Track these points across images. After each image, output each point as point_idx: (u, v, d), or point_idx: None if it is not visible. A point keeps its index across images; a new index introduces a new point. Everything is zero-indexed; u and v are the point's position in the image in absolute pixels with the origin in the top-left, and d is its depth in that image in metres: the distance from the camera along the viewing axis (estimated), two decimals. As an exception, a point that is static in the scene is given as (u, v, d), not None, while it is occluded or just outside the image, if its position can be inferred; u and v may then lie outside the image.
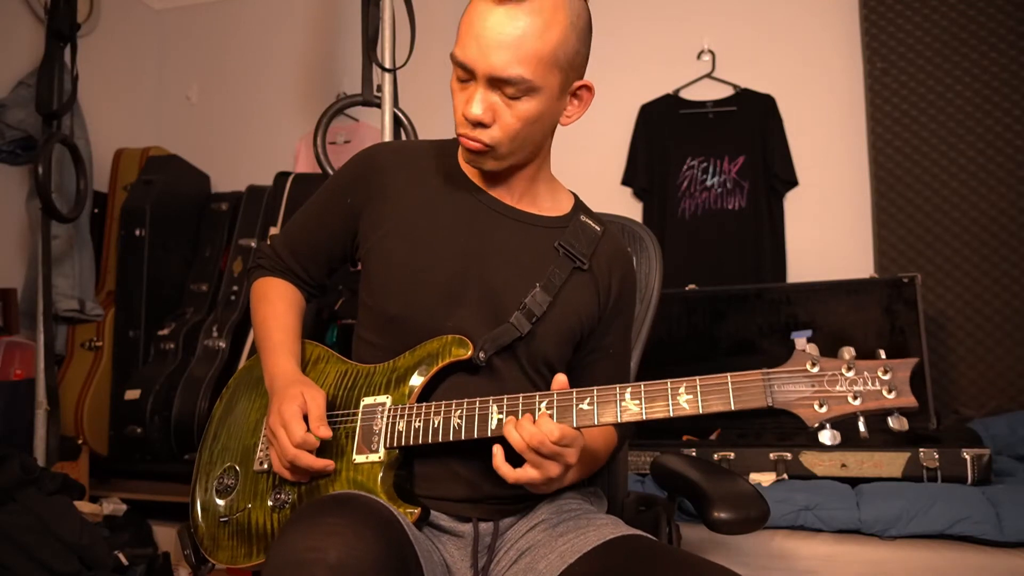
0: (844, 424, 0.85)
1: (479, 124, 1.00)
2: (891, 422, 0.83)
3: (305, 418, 1.01)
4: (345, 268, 1.24)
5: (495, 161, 1.05)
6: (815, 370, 0.85)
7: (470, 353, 1.03)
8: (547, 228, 1.12)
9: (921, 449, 1.87)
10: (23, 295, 2.71)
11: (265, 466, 1.09)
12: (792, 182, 2.78)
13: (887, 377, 0.83)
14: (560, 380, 0.95)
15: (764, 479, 1.93)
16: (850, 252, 2.71)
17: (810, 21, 2.83)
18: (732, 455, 2.00)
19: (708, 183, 2.82)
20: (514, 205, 1.12)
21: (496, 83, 0.97)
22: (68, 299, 2.71)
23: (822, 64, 2.80)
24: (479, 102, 0.98)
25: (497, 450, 0.92)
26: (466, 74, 0.99)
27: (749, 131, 2.80)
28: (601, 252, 1.14)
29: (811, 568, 1.77)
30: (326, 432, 1.00)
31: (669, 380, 0.89)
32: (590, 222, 1.15)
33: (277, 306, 1.18)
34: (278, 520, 1.04)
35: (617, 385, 0.92)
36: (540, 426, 0.90)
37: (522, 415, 0.94)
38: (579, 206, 1.19)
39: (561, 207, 1.17)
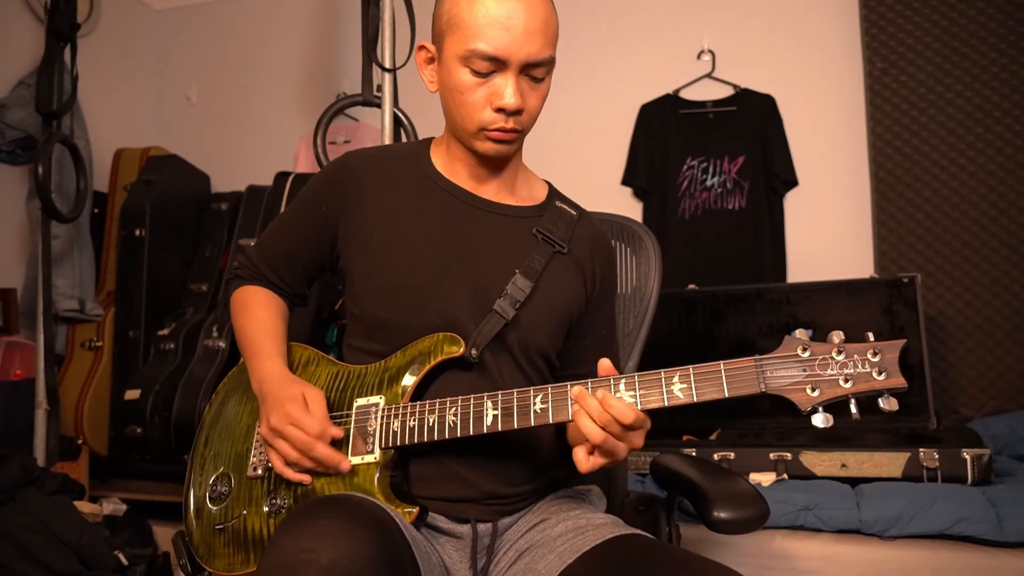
0: (838, 411, 0.86)
1: (515, 112, 1.01)
2: (882, 403, 0.83)
3: None
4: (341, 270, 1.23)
5: (517, 144, 1.08)
6: (806, 355, 0.85)
7: (462, 350, 1.03)
8: (525, 218, 1.13)
9: (921, 449, 1.87)
10: (23, 295, 2.71)
11: (259, 472, 1.08)
12: (792, 182, 2.78)
13: (876, 359, 0.83)
14: (604, 365, 0.92)
15: (764, 479, 1.93)
16: (850, 252, 2.72)
17: (810, 21, 2.83)
18: (732, 455, 2.00)
19: (708, 183, 2.82)
20: (491, 199, 1.13)
21: (527, 68, 1.00)
22: (68, 299, 2.71)
23: (822, 64, 2.80)
24: (516, 91, 1.00)
25: (579, 450, 0.90)
26: (492, 66, 0.99)
27: (749, 131, 2.80)
28: (580, 236, 1.15)
29: (811, 568, 1.77)
30: (336, 432, 1.00)
31: (663, 370, 0.89)
32: (566, 207, 1.16)
33: (257, 312, 1.16)
34: (274, 525, 1.03)
35: (611, 376, 0.91)
36: (611, 409, 0.87)
37: (513, 407, 0.94)
38: (554, 193, 1.19)
39: (536, 196, 1.17)
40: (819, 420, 0.85)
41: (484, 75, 1.00)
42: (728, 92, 2.85)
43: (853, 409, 0.84)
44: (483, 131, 1.03)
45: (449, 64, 1.03)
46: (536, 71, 1.01)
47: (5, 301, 2.61)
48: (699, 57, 2.90)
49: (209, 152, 3.36)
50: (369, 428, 1.02)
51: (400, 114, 2.25)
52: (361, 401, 1.05)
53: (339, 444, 1.03)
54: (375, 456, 1.00)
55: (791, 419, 2.22)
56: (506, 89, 1.00)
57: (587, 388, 0.91)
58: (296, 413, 0.99)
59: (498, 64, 0.99)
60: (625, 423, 0.86)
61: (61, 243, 2.70)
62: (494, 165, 1.11)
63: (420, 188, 1.12)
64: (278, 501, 1.04)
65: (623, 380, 0.90)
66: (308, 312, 2.55)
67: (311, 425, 0.99)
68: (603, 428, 0.87)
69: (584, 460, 0.90)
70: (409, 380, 1.03)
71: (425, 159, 1.15)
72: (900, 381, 0.82)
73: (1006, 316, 2.51)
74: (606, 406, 0.87)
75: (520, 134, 1.05)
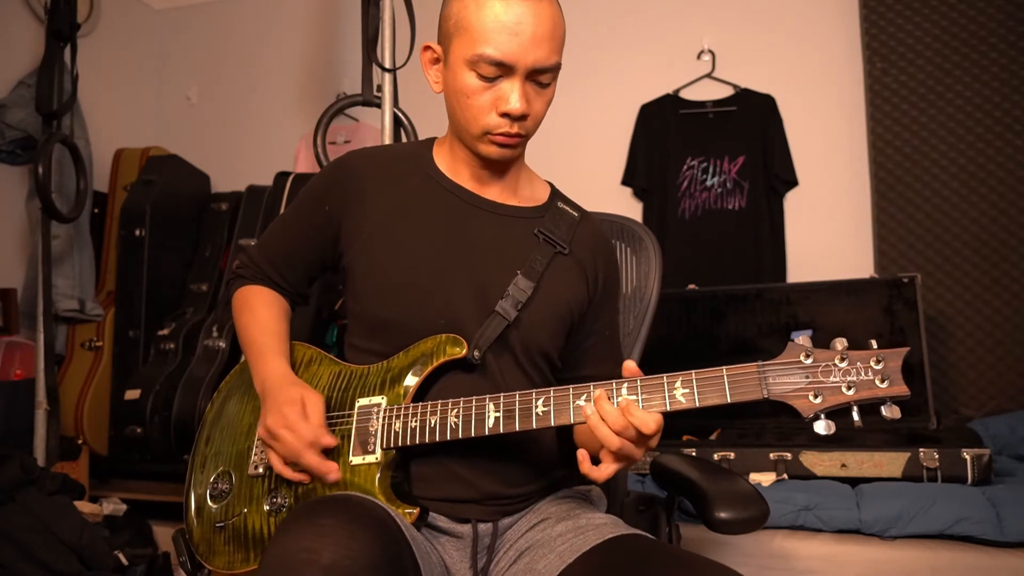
0: (840, 417, 0.86)
1: (520, 118, 1.02)
2: (884, 411, 0.83)
3: None
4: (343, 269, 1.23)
5: (520, 148, 1.09)
6: (809, 361, 0.85)
7: (464, 352, 1.03)
8: (526, 218, 1.13)
9: (921, 449, 1.87)
10: (23, 295, 2.71)
11: (260, 470, 1.07)
12: (792, 182, 2.78)
13: (879, 367, 0.83)
14: (630, 367, 0.91)
15: (764, 479, 1.93)
16: (850, 252, 2.71)
17: (810, 21, 2.83)
18: (732, 455, 2.00)
19: (708, 183, 2.82)
20: (494, 200, 1.13)
21: (534, 74, 1.00)
22: (68, 299, 2.71)
23: (822, 64, 2.81)
24: (522, 96, 1.00)
25: (583, 455, 0.90)
26: (498, 71, 0.99)
27: (749, 131, 2.80)
28: (581, 236, 1.15)
29: (811, 568, 1.77)
30: (330, 440, 0.99)
31: (665, 375, 0.89)
32: (567, 208, 1.16)
33: (260, 311, 1.16)
34: (275, 524, 1.03)
35: (614, 380, 0.91)
36: (632, 417, 0.86)
37: (515, 410, 0.94)
38: (555, 194, 1.20)
39: (538, 196, 1.17)
40: (821, 427, 0.85)
41: (490, 80, 1.00)
42: (728, 92, 2.85)
43: (855, 416, 0.84)
44: (487, 135, 1.03)
45: (455, 67, 1.03)
46: (543, 77, 1.01)
47: (5, 301, 2.61)
48: (699, 57, 2.90)
49: (209, 152, 3.36)
50: (371, 428, 1.02)
51: (400, 114, 2.25)
52: (363, 401, 1.05)
53: (339, 446, 1.03)
54: (376, 456, 1.00)
55: (791, 419, 2.22)
56: (512, 95, 1.00)
57: (602, 394, 0.89)
58: (292, 417, 0.98)
59: (505, 69, 0.99)
60: (646, 432, 0.86)
61: (61, 243, 2.70)
62: (497, 167, 1.11)
63: (422, 188, 1.12)
64: (279, 500, 1.04)
65: (625, 384, 0.90)
66: (308, 312, 2.55)
67: (304, 431, 0.97)
68: (619, 434, 0.86)
69: (597, 470, 0.88)
70: (411, 381, 1.03)
71: (427, 159, 1.15)
72: (903, 389, 0.82)
73: (1006, 316, 2.51)
74: (628, 415, 0.86)
75: (524, 138, 1.05)
